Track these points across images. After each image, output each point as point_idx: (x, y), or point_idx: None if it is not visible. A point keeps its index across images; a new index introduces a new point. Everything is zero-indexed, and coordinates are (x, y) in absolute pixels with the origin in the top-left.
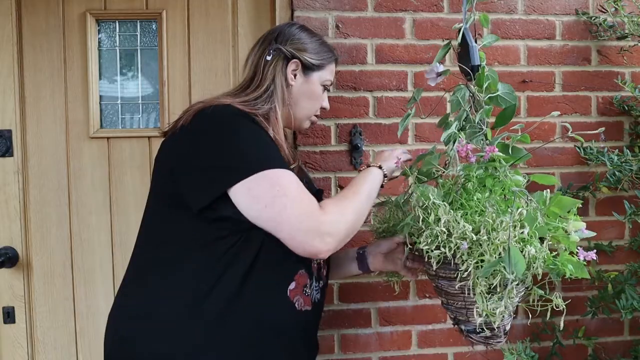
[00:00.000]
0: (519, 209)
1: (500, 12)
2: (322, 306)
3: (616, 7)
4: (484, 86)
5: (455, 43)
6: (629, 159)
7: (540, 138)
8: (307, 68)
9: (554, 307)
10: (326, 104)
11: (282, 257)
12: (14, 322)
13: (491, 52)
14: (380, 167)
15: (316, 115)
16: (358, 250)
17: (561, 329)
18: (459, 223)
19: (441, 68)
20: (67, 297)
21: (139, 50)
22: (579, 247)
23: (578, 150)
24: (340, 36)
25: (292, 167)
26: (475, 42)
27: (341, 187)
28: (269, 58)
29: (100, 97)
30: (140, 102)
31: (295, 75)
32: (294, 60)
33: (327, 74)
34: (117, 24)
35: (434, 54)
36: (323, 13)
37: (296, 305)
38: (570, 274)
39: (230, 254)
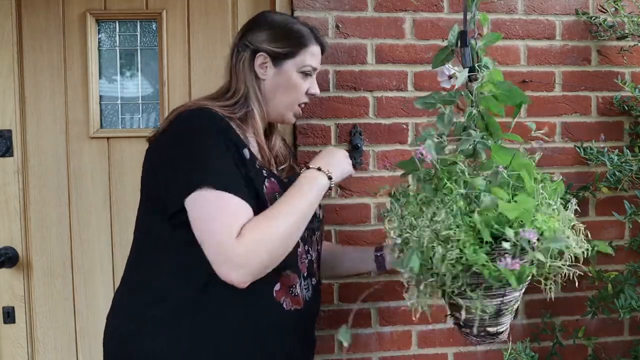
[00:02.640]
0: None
1: (500, 12)
2: (316, 302)
3: (616, 7)
4: (480, 82)
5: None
6: (629, 159)
7: (540, 138)
8: (276, 58)
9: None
10: (314, 90)
11: None
12: (14, 322)
13: (491, 52)
14: (329, 177)
15: (305, 103)
16: (376, 252)
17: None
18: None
19: (452, 70)
20: (67, 297)
21: (139, 50)
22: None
23: (578, 150)
24: (340, 36)
25: (282, 167)
26: (476, 42)
27: (341, 187)
28: (238, 57)
29: (100, 97)
30: (140, 102)
31: (265, 69)
32: (260, 53)
33: (304, 59)
34: (117, 24)
35: (434, 54)
36: (323, 13)
37: (284, 306)
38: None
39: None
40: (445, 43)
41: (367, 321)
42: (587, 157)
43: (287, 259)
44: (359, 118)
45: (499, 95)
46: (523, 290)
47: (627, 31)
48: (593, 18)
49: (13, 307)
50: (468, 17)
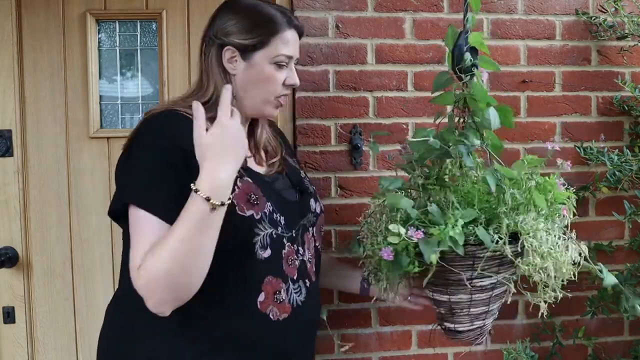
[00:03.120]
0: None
1: (500, 12)
2: (313, 306)
3: (616, 7)
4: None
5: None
6: (629, 159)
7: (540, 138)
8: (245, 51)
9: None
10: (292, 80)
11: (238, 270)
12: (14, 322)
13: (491, 52)
14: (208, 199)
15: (284, 95)
16: (363, 278)
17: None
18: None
19: None
20: (67, 297)
21: (139, 50)
22: None
23: (578, 150)
24: (340, 36)
25: (273, 160)
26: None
27: (341, 187)
28: (206, 52)
29: (100, 97)
30: (140, 102)
31: (235, 63)
32: (227, 47)
33: (276, 48)
34: (117, 24)
35: (434, 54)
36: (323, 13)
37: (271, 316)
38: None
39: None
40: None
41: (367, 321)
42: (587, 157)
43: (267, 263)
44: (359, 118)
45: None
46: (475, 296)
47: (627, 31)
48: (593, 18)
49: (13, 307)
50: (471, 19)
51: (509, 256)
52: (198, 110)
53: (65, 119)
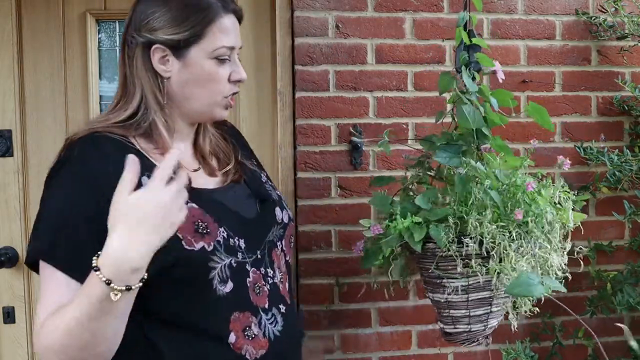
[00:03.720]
0: None
1: (500, 12)
2: (291, 333)
3: (616, 7)
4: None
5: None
6: (629, 159)
7: (540, 138)
8: (177, 47)
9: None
10: (237, 76)
11: (200, 313)
12: (14, 322)
13: (491, 52)
14: (108, 283)
15: (234, 93)
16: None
17: None
18: None
19: None
20: None
21: None
22: None
23: (578, 150)
24: (340, 36)
25: (225, 169)
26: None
27: (341, 187)
28: (128, 53)
29: (100, 97)
30: None
31: (167, 63)
32: (155, 45)
33: (214, 40)
34: (117, 24)
35: (434, 54)
36: (323, 13)
37: (247, 357)
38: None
39: (139, 332)
40: (445, 43)
41: (367, 321)
42: (587, 157)
43: (227, 300)
44: (359, 118)
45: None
46: (451, 297)
47: (627, 31)
48: (593, 18)
49: (13, 307)
50: (464, 17)
51: (454, 255)
52: (131, 164)
53: (65, 119)
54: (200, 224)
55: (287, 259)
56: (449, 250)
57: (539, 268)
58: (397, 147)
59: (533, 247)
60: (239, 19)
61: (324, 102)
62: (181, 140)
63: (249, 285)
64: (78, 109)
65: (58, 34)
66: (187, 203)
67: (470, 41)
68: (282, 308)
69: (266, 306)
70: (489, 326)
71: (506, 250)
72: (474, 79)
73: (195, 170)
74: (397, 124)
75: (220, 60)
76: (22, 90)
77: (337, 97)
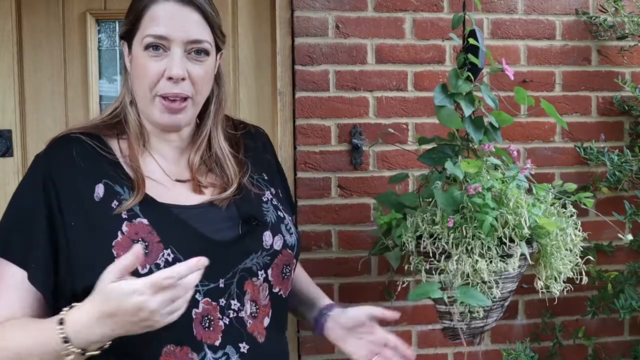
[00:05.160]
0: None
1: (500, 12)
2: None
3: (616, 7)
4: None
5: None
6: (629, 159)
7: (540, 138)
8: (127, 40)
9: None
10: (171, 72)
11: (128, 345)
12: None
13: (491, 52)
14: (66, 340)
15: (170, 93)
16: (323, 309)
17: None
18: None
19: None
20: None
21: None
22: None
23: (578, 150)
24: (340, 36)
25: (224, 195)
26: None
27: (341, 187)
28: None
29: (100, 97)
30: None
31: (128, 57)
32: (122, 41)
33: (143, 30)
34: (117, 23)
35: (434, 54)
36: (323, 13)
37: None
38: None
39: None
40: (445, 43)
41: None
42: (587, 157)
43: (160, 330)
44: (359, 118)
45: None
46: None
47: (627, 31)
48: (593, 18)
49: None
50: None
51: (413, 251)
52: (133, 253)
53: (65, 119)
54: (141, 241)
55: (277, 290)
56: (408, 247)
57: (483, 273)
58: (397, 147)
59: (468, 252)
60: (198, 9)
61: (324, 102)
62: (165, 143)
63: (194, 316)
64: (78, 108)
65: (58, 33)
66: (133, 219)
67: (468, 42)
68: (244, 347)
69: (217, 343)
70: (471, 325)
71: (446, 252)
72: (470, 79)
73: (179, 181)
74: (397, 124)
75: (153, 52)
76: (22, 90)
77: (337, 97)
